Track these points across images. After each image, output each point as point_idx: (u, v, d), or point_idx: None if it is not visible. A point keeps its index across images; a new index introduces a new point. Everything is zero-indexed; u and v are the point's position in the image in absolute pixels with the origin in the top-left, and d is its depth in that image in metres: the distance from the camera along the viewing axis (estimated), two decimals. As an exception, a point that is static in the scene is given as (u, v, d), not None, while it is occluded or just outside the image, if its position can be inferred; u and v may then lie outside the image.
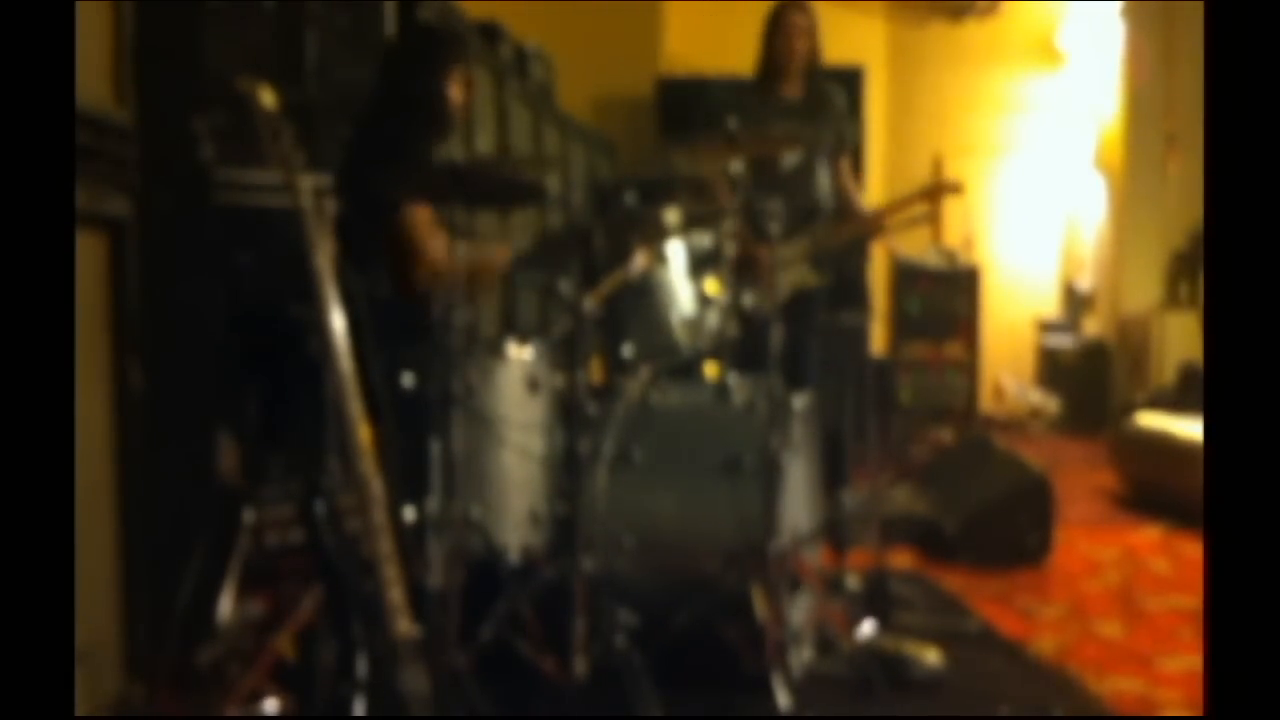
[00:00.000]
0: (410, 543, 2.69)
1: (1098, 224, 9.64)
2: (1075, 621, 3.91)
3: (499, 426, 3.03)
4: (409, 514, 2.81)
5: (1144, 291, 8.52)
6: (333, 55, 4.13)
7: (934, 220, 4.80)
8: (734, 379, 3.33)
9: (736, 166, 3.67)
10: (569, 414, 3.08)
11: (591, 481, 3.13)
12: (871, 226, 4.72)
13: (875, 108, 9.12)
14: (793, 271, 4.33)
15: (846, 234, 4.69)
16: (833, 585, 3.76)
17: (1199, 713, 2.95)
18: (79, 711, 2.19)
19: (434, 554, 2.77)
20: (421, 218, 3.38)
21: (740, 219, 3.69)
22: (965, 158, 9.67)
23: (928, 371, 8.78)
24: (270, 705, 2.49)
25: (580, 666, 2.80)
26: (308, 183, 2.29)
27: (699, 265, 3.34)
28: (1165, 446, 5.79)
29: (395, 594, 2.20)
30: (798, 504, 3.32)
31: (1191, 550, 4.90)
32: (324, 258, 2.25)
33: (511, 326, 5.76)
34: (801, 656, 3.15)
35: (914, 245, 8.62)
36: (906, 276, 8.83)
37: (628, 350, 3.32)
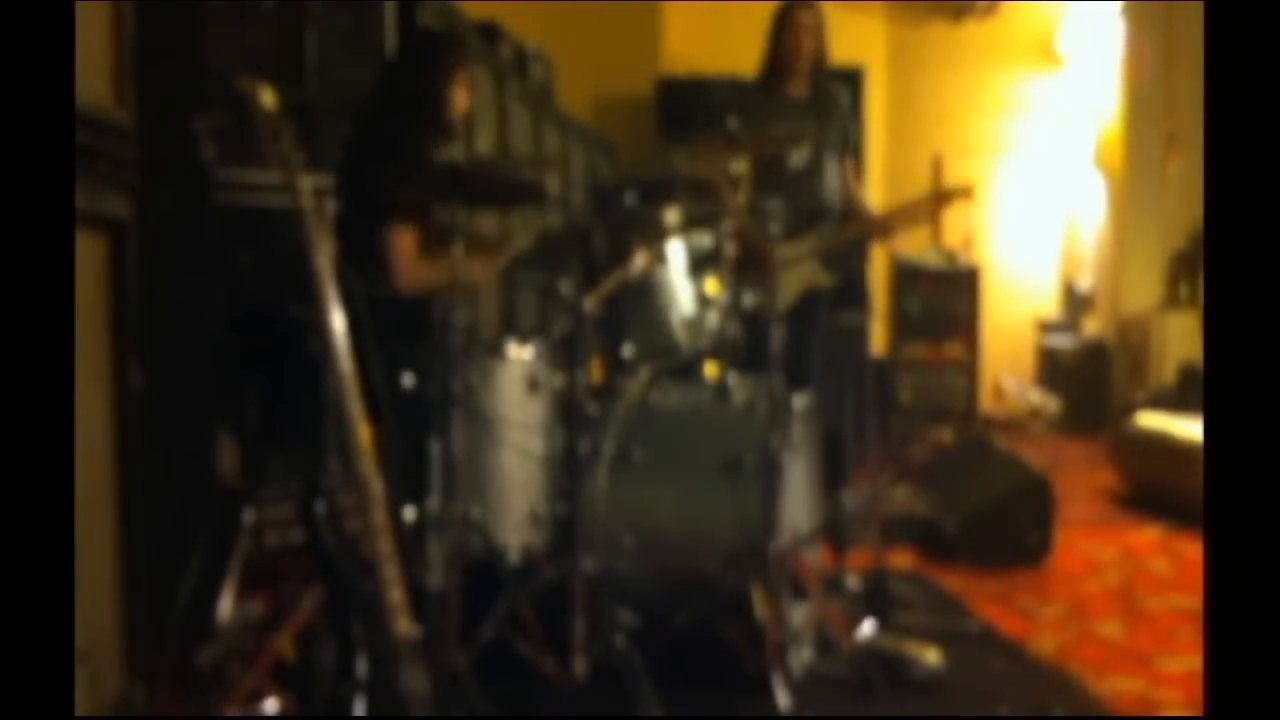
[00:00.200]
0: (410, 543, 2.69)
1: (1098, 224, 9.64)
2: (1075, 621, 3.91)
3: (499, 426, 3.03)
4: (409, 514, 2.81)
5: (1144, 291, 8.52)
6: (333, 55, 4.13)
7: (934, 220, 4.79)
8: (734, 379, 3.33)
9: (736, 166, 3.66)
10: (569, 414, 3.08)
11: (591, 481, 3.13)
12: (880, 228, 4.67)
13: (875, 108, 9.12)
14: (802, 272, 4.31)
15: (855, 235, 4.65)
16: (833, 585, 3.76)
17: (1199, 713, 2.95)
18: (79, 711, 2.19)
19: (434, 554, 2.77)
20: (405, 243, 3.37)
21: (749, 218, 3.65)
22: (965, 158, 9.68)
23: (928, 371, 8.78)
24: (270, 705, 2.49)
25: (580, 666, 2.80)
26: (308, 183, 2.29)
27: (699, 265, 3.34)
28: (1165, 446, 5.79)
29: (395, 594, 2.21)
30: (798, 504, 3.32)
31: (1191, 550, 4.90)
32: (324, 258, 2.25)
33: (511, 326, 5.77)
34: (801, 656, 3.15)
35: (914, 245, 8.62)
36: (906, 276, 8.83)
37: (628, 350, 3.32)
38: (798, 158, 4.39)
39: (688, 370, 3.50)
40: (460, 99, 3.64)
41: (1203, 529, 2.10)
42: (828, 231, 4.39)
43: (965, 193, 4.47)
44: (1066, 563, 4.68)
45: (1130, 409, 6.70)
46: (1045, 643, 3.63)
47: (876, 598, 3.59)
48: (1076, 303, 9.75)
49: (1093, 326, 9.52)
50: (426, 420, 2.84)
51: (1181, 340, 7.79)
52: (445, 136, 3.68)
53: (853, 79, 7.85)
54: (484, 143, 5.62)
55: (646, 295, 3.30)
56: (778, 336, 3.22)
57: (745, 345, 3.40)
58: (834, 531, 4.00)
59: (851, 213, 4.59)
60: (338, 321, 2.25)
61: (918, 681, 3.14)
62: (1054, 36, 9.85)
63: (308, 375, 2.65)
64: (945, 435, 8.14)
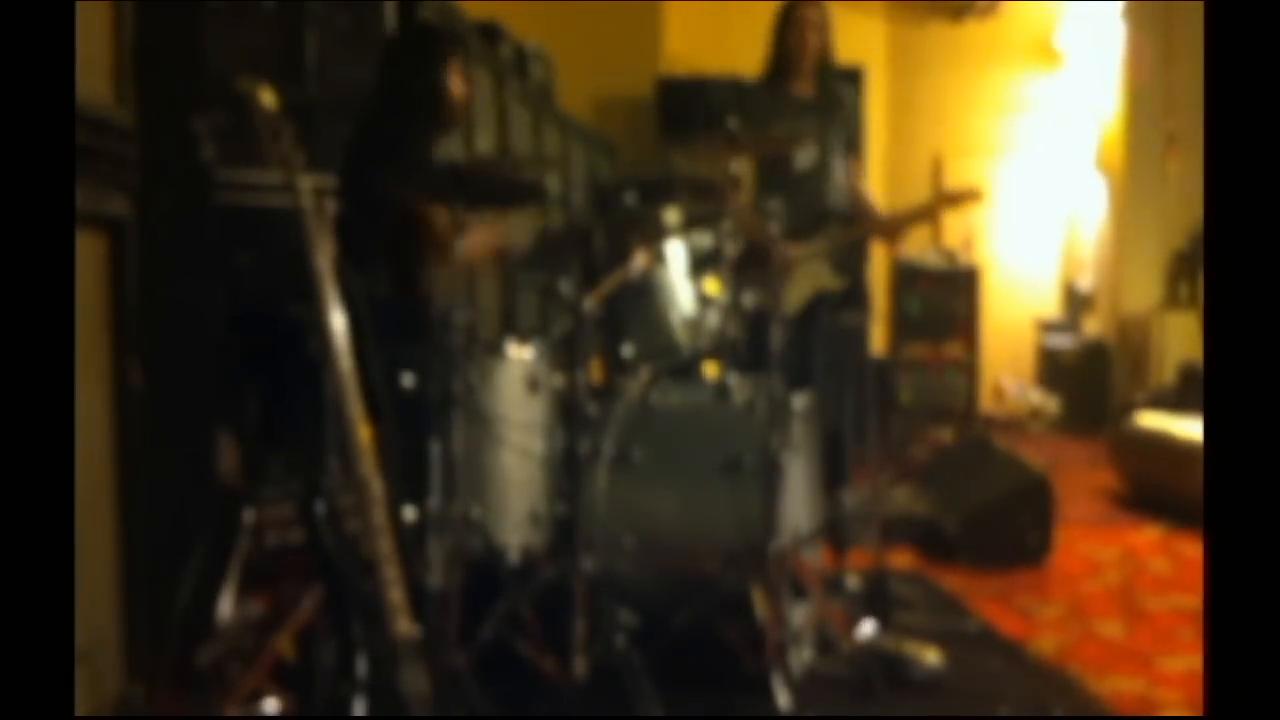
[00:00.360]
0: (410, 543, 2.69)
1: (1098, 224, 9.64)
2: (1075, 621, 3.91)
3: (499, 426, 3.03)
4: (409, 514, 2.81)
5: (1144, 291, 8.52)
6: (333, 55, 4.13)
7: (935, 221, 4.77)
8: (734, 379, 3.33)
9: (736, 166, 3.65)
10: (569, 414, 3.08)
11: (591, 481, 3.13)
12: (889, 229, 4.58)
13: (875, 108, 9.12)
14: (812, 274, 4.27)
15: (865, 236, 4.59)
16: (833, 585, 3.76)
17: (1199, 713, 2.95)
18: (79, 711, 2.19)
19: (434, 554, 2.77)
20: (439, 220, 3.38)
21: (756, 219, 3.60)
22: (965, 158, 9.68)
23: (928, 371, 8.78)
24: (270, 705, 2.49)
25: (580, 666, 2.80)
26: (308, 183, 2.29)
27: (699, 265, 3.34)
28: (1165, 446, 5.79)
29: (395, 594, 2.21)
30: (798, 504, 3.32)
31: (1191, 550, 4.90)
32: (324, 258, 2.25)
33: (511, 326, 5.77)
34: (801, 656, 3.15)
35: (914, 245, 8.62)
36: (906, 276, 8.83)
37: (628, 350, 3.32)
38: (804, 158, 4.34)
39: (688, 370, 3.50)
40: (458, 89, 3.63)
41: (1203, 529, 2.10)
42: (835, 232, 4.36)
43: (974, 195, 4.41)
44: (1066, 563, 4.68)
45: (1130, 409, 6.70)
46: (1045, 643, 3.63)
47: (876, 598, 3.58)
48: (1076, 303, 9.75)
49: (1093, 326, 9.52)
50: (426, 420, 2.84)
51: (1181, 340, 7.79)
52: (445, 129, 3.68)
53: (853, 79, 7.86)
54: (484, 143, 5.62)
55: (646, 295, 3.30)
56: (778, 336, 3.21)
57: (749, 346, 3.39)
58: (834, 531, 3.99)
59: (859, 213, 4.55)
60: (338, 321, 2.25)
61: (918, 681, 3.14)
62: (1054, 36, 9.85)
63: (308, 375, 2.65)
64: (945, 435, 8.14)
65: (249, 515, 2.89)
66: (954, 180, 8.56)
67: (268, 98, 2.28)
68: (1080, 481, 6.43)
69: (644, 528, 3.16)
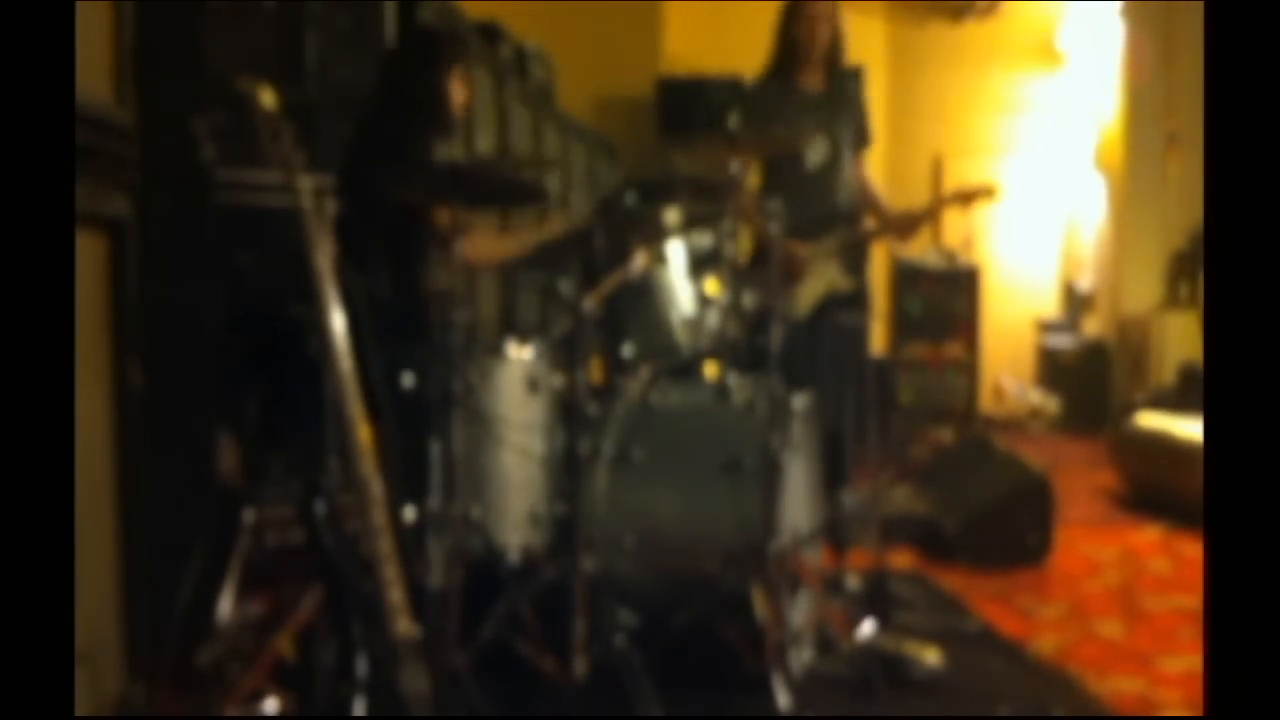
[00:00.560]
0: (410, 543, 2.69)
1: (1098, 224, 9.64)
2: (1075, 621, 3.91)
3: (499, 426, 3.03)
4: (409, 514, 2.81)
5: (1144, 291, 8.52)
6: (333, 55, 4.13)
7: (934, 220, 4.73)
8: (734, 379, 3.33)
9: (737, 166, 3.64)
10: (569, 414, 3.08)
11: (591, 481, 3.13)
12: (903, 226, 4.41)
13: (875, 108, 9.08)
14: (822, 274, 4.18)
15: (876, 235, 4.47)
16: (833, 585, 3.76)
17: (1199, 713, 2.95)
18: (79, 711, 2.19)
19: (434, 554, 2.77)
20: (444, 216, 3.38)
21: (770, 216, 3.54)
22: (965, 158, 9.68)
23: (928, 371, 8.79)
24: (270, 705, 2.49)
25: (580, 666, 2.80)
26: (308, 183, 2.29)
27: (699, 265, 3.34)
28: (1165, 446, 5.79)
29: (395, 594, 2.20)
30: (798, 504, 3.32)
31: (1191, 550, 4.90)
32: (324, 258, 2.25)
33: (511, 326, 5.77)
34: (801, 656, 3.15)
35: (914, 245, 8.61)
36: (906, 276, 8.83)
37: (628, 350, 3.32)
38: (814, 155, 4.24)
39: (688, 370, 3.50)
40: (459, 94, 3.63)
41: (1203, 529, 2.10)
42: (845, 231, 4.25)
43: (988, 192, 4.30)
44: (1066, 563, 4.68)
45: (1130, 409, 6.70)
46: (1045, 643, 3.63)
47: (876, 598, 3.59)
48: (1076, 303, 9.75)
49: (1093, 326, 9.52)
50: (426, 420, 2.84)
51: (1181, 340, 7.79)
52: (445, 133, 3.68)
53: (853, 78, 7.86)
54: (484, 143, 5.62)
55: (646, 295, 3.30)
56: (778, 336, 3.20)
57: (753, 346, 3.37)
58: (834, 531, 3.99)
59: (869, 210, 4.42)
60: (338, 321, 2.25)
61: (918, 681, 3.14)
62: (1054, 36, 9.85)
63: (308, 375, 2.65)
64: (945, 435, 8.14)
65: (249, 515, 2.89)
66: (954, 180, 8.56)
67: (268, 98, 2.28)
68: (1080, 481, 6.43)
69: (644, 528, 3.16)
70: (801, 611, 3.21)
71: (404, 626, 2.21)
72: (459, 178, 3.00)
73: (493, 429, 3.02)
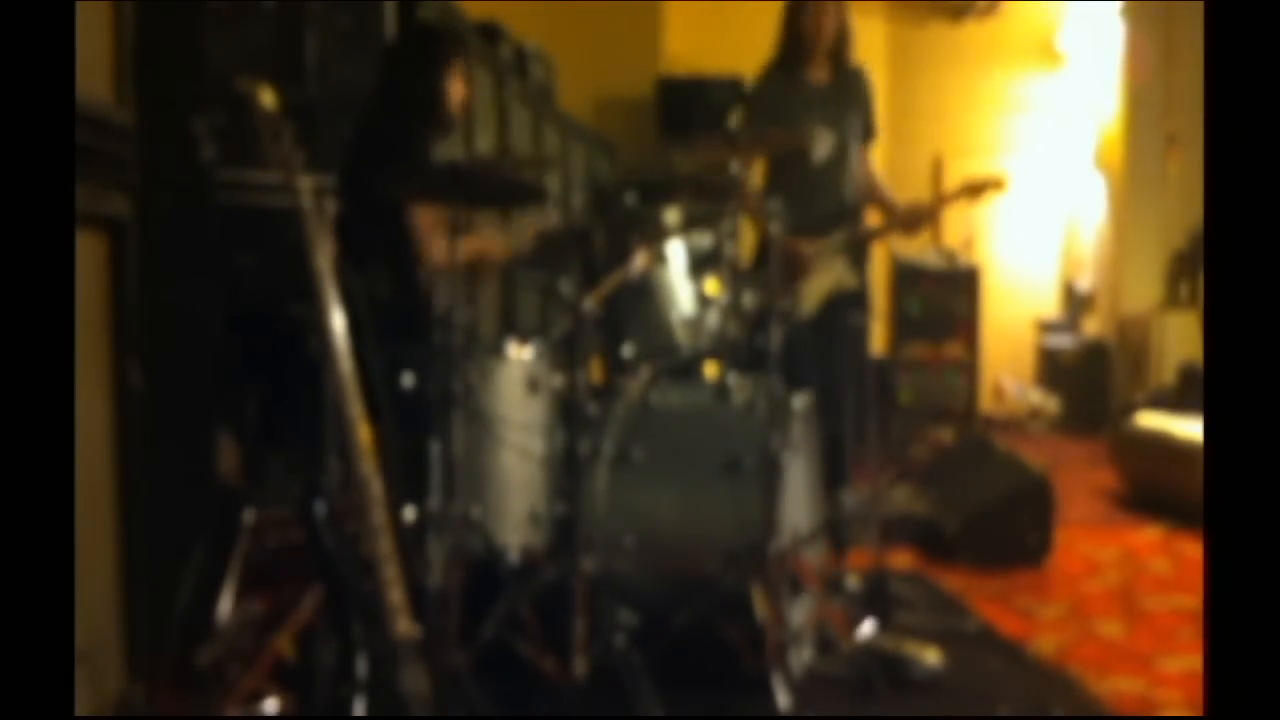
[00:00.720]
0: (410, 543, 2.69)
1: (1098, 224, 9.64)
2: (1075, 621, 3.91)
3: (499, 426, 3.03)
4: (409, 514, 2.81)
5: (1144, 291, 8.52)
6: (333, 55, 4.13)
7: (943, 213, 4.66)
8: (734, 379, 3.33)
9: (737, 166, 3.63)
10: (569, 414, 3.08)
11: (591, 481, 3.13)
12: (911, 221, 4.32)
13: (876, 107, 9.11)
14: (829, 272, 4.13)
15: (884, 230, 4.39)
16: (833, 585, 3.76)
17: (1199, 713, 2.95)
18: (79, 711, 2.19)
19: (434, 554, 2.77)
20: (424, 219, 3.39)
21: (770, 215, 3.50)
22: (965, 158, 9.68)
23: (928, 371, 8.78)
24: (270, 705, 2.49)
25: (580, 666, 2.80)
26: (308, 183, 2.29)
27: (699, 265, 3.34)
28: (1165, 446, 5.79)
29: (395, 594, 2.20)
30: (798, 504, 3.32)
31: (1191, 550, 4.90)
32: (324, 258, 2.25)
33: (511, 326, 5.77)
34: (801, 656, 3.15)
35: (914, 245, 8.62)
36: (906, 276, 8.83)
37: (628, 350, 3.32)
38: (822, 149, 4.17)
39: (688, 370, 3.50)
40: (458, 92, 3.63)
41: (1203, 529, 2.10)
42: (852, 228, 4.17)
43: (996, 184, 4.22)
44: (1066, 563, 4.68)
45: (1130, 409, 6.70)
46: (1045, 643, 3.63)
47: (876, 598, 3.58)
48: (1076, 303, 9.75)
49: (1093, 326, 9.52)
50: (426, 420, 2.84)
51: (1181, 340, 7.79)
52: (445, 131, 3.68)
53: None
54: (484, 143, 5.62)
55: (646, 295, 3.30)
56: (777, 336, 3.20)
57: (758, 346, 3.36)
58: (834, 531, 3.99)
59: (878, 204, 4.35)
60: (338, 321, 2.25)
61: (918, 681, 3.14)
62: (1054, 36, 9.85)
63: (308, 375, 2.65)
64: (945, 435, 8.14)
65: (249, 515, 2.89)
66: (954, 180, 8.57)
67: (268, 98, 2.28)
68: (1080, 481, 6.43)
69: (644, 528, 3.16)
70: (801, 611, 3.21)
71: (404, 626, 2.21)
72: (459, 178, 3.00)
73: (493, 429, 3.02)
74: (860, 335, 4.39)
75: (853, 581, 3.85)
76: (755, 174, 4.21)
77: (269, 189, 3.44)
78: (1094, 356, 9.06)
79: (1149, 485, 5.99)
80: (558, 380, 3.14)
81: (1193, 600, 4.09)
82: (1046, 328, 9.77)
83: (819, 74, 4.26)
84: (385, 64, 3.77)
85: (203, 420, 3.06)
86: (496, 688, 2.63)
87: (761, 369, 3.22)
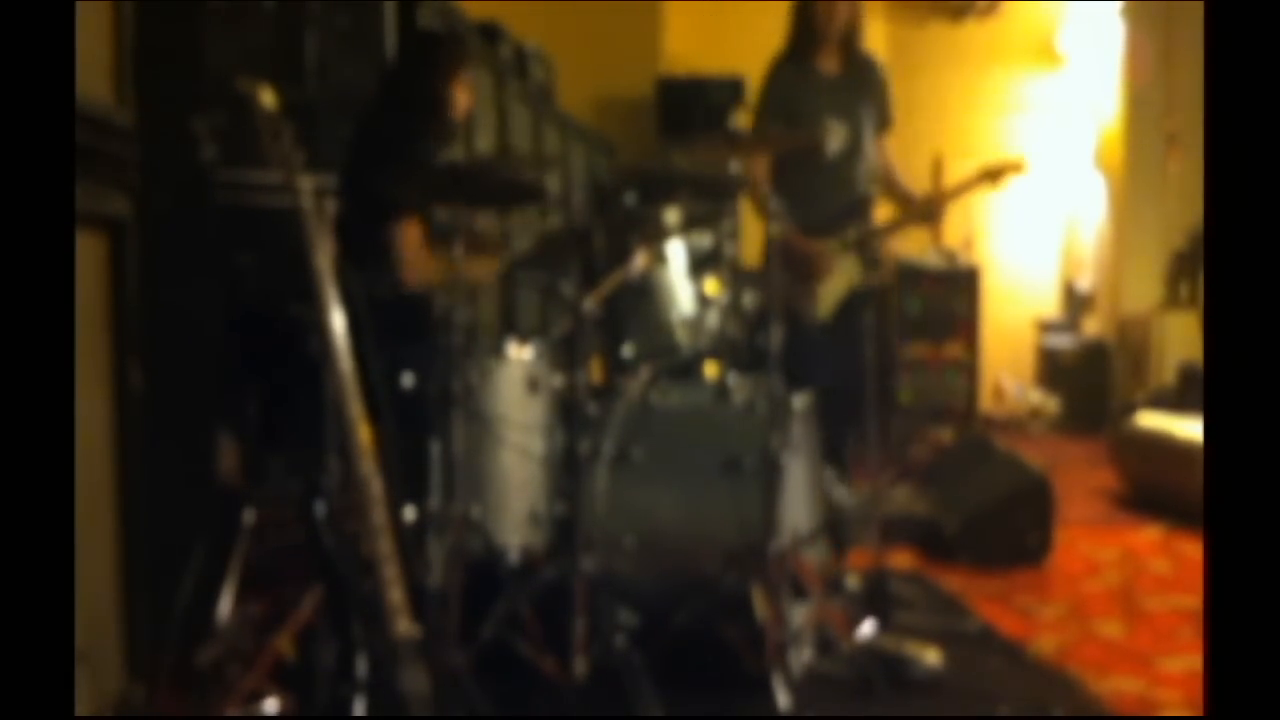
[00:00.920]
0: (410, 543, 2.69)
1: (1098, 224, 9.64)
2: (1075, 621, 3.91)
3: (499, 426, 3.03)
4: (409, 514, 2.81)
5: (1144, 291, 8.52)
6: (333, 55, 4.14)
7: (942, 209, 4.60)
8: (734, 379, 3.33)
9: (738, 167, 3.62)
10: (569, 414, 3.08)
11: (591, 481, 3.13)
12: (929, 211, 4.23)
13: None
14: (844, 271, 4.07)
15: (902, 222, 4.29)
16: (833, 585, 3.76)
17: (1199, 713, 2.95)
18: (79, 711, 2.19)
19: (434, 554, 2.77)
20: (410, 236, 3.38)
21: (772, 215, 3.46)
22: (965, 158, 9.65)
23: (928, 371, 8.78)
24: (270, 705, 2.49)
25: (580, 666, 2.80)
26: (308, 183, 2.29)
27: (699, 265, 3.34)
28: (1165, 446, 5.79)
29: (395, 594, 2.20)
30: (798, 504, 3.32)
31: (1191, 550, 4.90)
32: (324, 258, 2.25)
33: (511, 326, 5.77)
34: (801, 656, 3.15)
35: (914, 245, 8.62)
36: (906, 276, 8.83)
37: (628, 350, 3.32)
38: (834, 142, 4.09)
39: (688, 370, 3.50)
40: (461, 100, 3.64)
41: (1203, 529, 2.10)
42: (867, 224, 4.08)
43: (1016, 166, 4.13)
44: (1066, 563, 4.68)
45: (1130, 409, 6.70)
46: (1045, 643, 3.63)
47: (876, 598, 3.58)
48: (1076, 303, 9.75)
49: (1093, 326, 9.52)
50: (426, 420, 2.84)
51: (1181, 340, 7.78)
52: (446, 138, 3.68)
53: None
54: (484, 143, 5.62)
55: (646, 295, 3.30)
56: (777, 336, 3.19)
57: (758, 346, 3.35)
58: (834, 531, 3.98)
59: (895, 196, 4.25)
60: (338, 321, 2.25)
61: (918, 681, 3.14)
62: (1054, 36, 9.84)
63: (308, 375, 2.65)
64: (945, 435, 8.14)
65: (249, 515, 2.89)
66: (953, 180, 8.57)
67: (268, 98, 2.28)
68: (1080, 481, 6.42)
69: (644, 528, 3.16)
70: (801, 611, 3.21)
71: (404, 626, 2.21)
72: (459, 178, 3.00)
73: (493, 429, 3.03)
74: (879, 332, 4.28)
75: (853, 581, 3.85)
76: (763, 168, 4.13)
77: (269, 189, 3.44)
78: (1094, 356, 9.06)
79: (1149, 485, 5.99)
80: (558, 380, 3.14)
81: (1193, 600, 4.09)
82: (1046, 328, 9.77)
83: (830, 64, 4.18)
84: (389, 69, 3.77)
85: (203, 420, 3.06)
86: (496, 688, 2.63)
87: (761, 369, 3.22)
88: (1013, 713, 2.97)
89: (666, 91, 8.56)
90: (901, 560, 4.54)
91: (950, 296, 8.82)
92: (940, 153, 9.82)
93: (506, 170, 3.82)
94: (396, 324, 3.06)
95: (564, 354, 3.13)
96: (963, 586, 4.26)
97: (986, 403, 9.33)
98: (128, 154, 2.58)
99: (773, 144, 3.85)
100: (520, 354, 3.12)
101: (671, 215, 3.32)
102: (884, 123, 4.30)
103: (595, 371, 3.31)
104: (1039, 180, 9.85)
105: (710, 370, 3.52)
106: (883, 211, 4.41)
